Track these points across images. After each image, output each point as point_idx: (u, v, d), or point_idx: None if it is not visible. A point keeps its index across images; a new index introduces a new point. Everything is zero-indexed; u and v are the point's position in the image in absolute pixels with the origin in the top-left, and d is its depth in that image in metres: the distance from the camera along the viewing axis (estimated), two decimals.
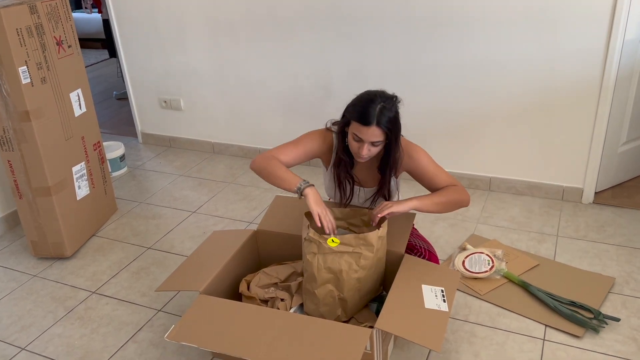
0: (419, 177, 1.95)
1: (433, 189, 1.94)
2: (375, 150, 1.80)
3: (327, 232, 1.77)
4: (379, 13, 2.82)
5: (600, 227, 2.58)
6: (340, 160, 1.92)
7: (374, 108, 1.72)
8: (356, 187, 2.01)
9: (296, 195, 1.82)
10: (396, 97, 1.80)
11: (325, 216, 1.77)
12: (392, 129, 1.76)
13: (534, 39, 2.58)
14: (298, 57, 3.13)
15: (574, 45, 2.52)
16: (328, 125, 1.98)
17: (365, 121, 1.72)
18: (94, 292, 2.33)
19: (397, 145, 1.83)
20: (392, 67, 2.92)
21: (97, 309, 2.22)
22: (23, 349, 2.03)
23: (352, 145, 1.81)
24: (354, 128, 1.77)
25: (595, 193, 2.81)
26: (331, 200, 2.14)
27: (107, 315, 2.19)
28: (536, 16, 2.53)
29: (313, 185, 1.82)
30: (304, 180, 1.81)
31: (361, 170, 1.98)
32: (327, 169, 2.04)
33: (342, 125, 1.86)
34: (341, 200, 2.01)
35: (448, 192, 1.88)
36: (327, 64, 3.08)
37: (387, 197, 1.99)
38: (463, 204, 1.90)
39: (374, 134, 1.74)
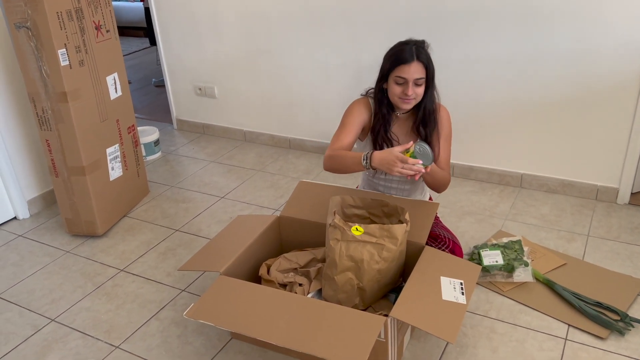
0: (440, 135, 2.00)
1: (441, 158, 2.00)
2: (419, 90, 1.87)
3: (416, 174, 1.76)
4: (411, 4, 2.79)
5: (634, 229, 2.50)
6: (380, 119, 1.96)
7: (410, 47, 1.85)
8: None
9: (369, 172, 1.94)
10: (424, 40, 1.92)
11: (404, 165, 1.72)
12: (429, 66, 1.87)
13: (570, 31, 2.50)
14: (329, 46, 3.13)
15: (613, 38, 2.43)
16: (363, 94, 2.04)
17: (405, 60, 1.84)
18: (121, 270, 2.40)
19: (433, 87, 1.92)
20: (429, 50, 2.88)
21: (124, 286, 2.29)
22: (53, 320, 2.12)
23: (396, 90, 1.88)
24: (396, 72, 1.85)
25: (632, 194, 2.71)
26: (368, 174, 2.14)
27: (132, 292, 2.25)
28: (573, 8, 2.46)
29: (373, 150, 1.83)
30: (365, 153, 1.82)
31: (399, 132, 2.01)
32: (363, 140, 2.07)
33: (380, 82, 1.93)
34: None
35: (441, 175, 1.97)
36: (357, 54, 3.07)
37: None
38: (443, 188, 2.02)
39: (417, 70, 1.84)
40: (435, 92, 1.95)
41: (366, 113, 2.00)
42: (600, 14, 2.42)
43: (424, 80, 1.87)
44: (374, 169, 1.81)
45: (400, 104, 1.90)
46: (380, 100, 1.96)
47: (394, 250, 1.76)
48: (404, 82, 1.85)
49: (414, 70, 1.83)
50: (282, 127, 3.57)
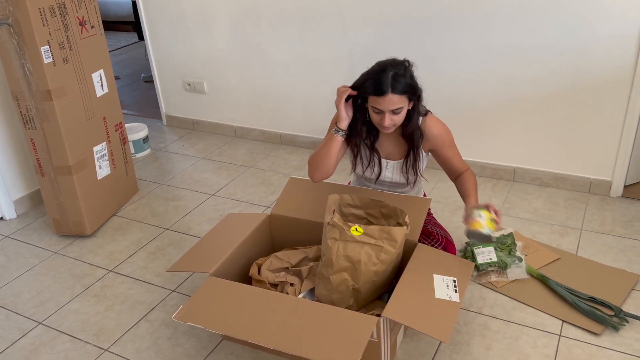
0: (439, 154, 1.99)
1: (450, 168, 2.01)
2: (398, 118, 1.80)
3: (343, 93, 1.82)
4: None
5: (628, 222, 2.49)
6: (361, 133, 1.92)
7: (387, 77, 1.73)
8: (384, 161, 2.01)
9: (340, 137, 1.89)
10: (407, 61, 1.80)
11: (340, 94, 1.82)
12: (410, 92, 1.76)
13: (562, 24, 2.47)
14: (320, 41, 3.09)
15: (606, 31, 2.41)
16: None
17: (380, 92, 1.73)
18: (110, 271, 2.37)
19: (417, 108, 1.85)
20: (416, 54, 2.84)
21: (113, 287, 2.26)
22: (40, 323, 2.08)
23: (374, 118, 1.82)
24: (372, 101, 1.77)
25: (625, 186, 2.70)
26: (364, 177, 2.11)
27: (122, 293, 2.22)
28: (565, 1, 2.43)
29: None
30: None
31: (388, 144, 1.98)
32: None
33: (361, 102, 1.85)
34: (361, 171, 2.04)
35: (474, 181, 1.97)
36: (349, 49, 3.03)
37: (415, 168, 1.98)
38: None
39: (392, 101, 1.74)
40: (420, 108, 1.88)
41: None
42: (592, 7, 2.39)
43: (402, 108, 1.78)
44: (342, 130, 1.87)
45: (381, 130, 1.86)
46: (362, 117, 1.89)
47: (392, 253, 1.73)
48: (380, 112, 1.78)
49: (388, 103, 1.74)
50: (273, 123, 3.53)
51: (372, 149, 1.97)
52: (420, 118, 1.90)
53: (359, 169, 2.05)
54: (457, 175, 2.02)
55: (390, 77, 1.72)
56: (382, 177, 2.03)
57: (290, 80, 3.31)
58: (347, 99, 1.85)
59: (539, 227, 2.48)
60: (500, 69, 2.69)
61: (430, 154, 2.03)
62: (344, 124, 1.86)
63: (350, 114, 1.87)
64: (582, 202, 2.67)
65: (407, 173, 2.00)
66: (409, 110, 1.83)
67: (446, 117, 2.89)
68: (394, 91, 1.72)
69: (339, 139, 1.89)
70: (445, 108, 2.90)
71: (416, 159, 1.96)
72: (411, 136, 1.90)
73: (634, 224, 2.47)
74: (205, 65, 3.56)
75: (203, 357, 1.87)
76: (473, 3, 2.61)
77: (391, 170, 2.02)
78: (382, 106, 1.75)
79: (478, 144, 2.92)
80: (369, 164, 2.01)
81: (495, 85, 2.74)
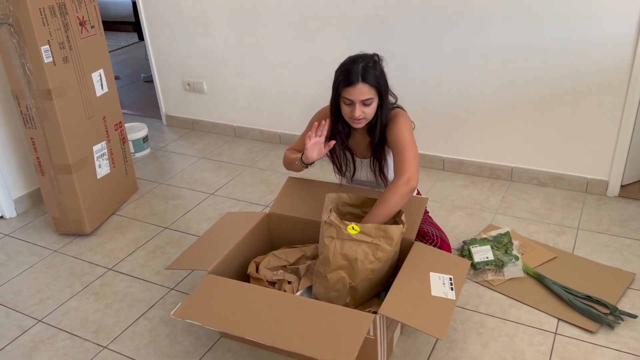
0: (391, 145, 1.90)
1: (397, 164, 1.84)
2: (368, 110, 1.83)
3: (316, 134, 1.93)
4: None
5: (624, 221, 2.50)
6: (336, 131, 1.97)
7: (357, 67, 1.79)
8: (358, 159, 2.05)
9: (307, 169, 2.04)
10: (377, 55, 1.86)
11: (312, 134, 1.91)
12: (378, 84, 1.81)
13: (559, 24, 2.49)
14: (318, 41, 3.11)
15: (603, 31, 2.42)
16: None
17: (350, 81, 1.78)
18: (110, 269, 2.38)
19: (385, 103, 1.87)
20: (414, 54, 2.86)
21: (112, 285, 2.27)
22: (39, 320, 2.10)
23: (345, 111, 1.86)
24: (344, 93, 1.81)
25: (622, 186, 2.71)
26: (344, 180, 2.17)
27: (121, 291, 2.23)
28: (562, 1, 2.44)
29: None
30: (300, 155, 2.01)
31: (357, 143, 2.02)
32: None
33: (335, 99, 1.90)
34: (343, 174, 2.09)
35: (389, 199, 1.78)
36: (347, 49, 3.03)
37: (380, 166, 1.99)
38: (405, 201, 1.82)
39: (362, 91, 1.78)
40: (388, 104, 1.90)
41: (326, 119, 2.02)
42: (589, 7, 2.41)
43: (372, 99, 1.82)
44: (309, 163, 2.00)
45: (351, 124, 1.90)
46: (336, 116, 1.94)
47: (388, 251, 1.74)
48: (350, 103, 1.83)
49: (359, 92, 1.79)
50: (272, 122, 3.54)
51: (345, 148, 2.02)
52: (388, 114, 1.91)
53: (335, 169, 2.12)
54: (395, 176, 1.84)
55: (360, 67, 1.78)
56: (356, 177, 2.08)
57: (289, 80, 3.32)
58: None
59: (535, 226, 2.50)
60: (497, 69, 2.71)
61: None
62: (309, 161, 1.99)
63: (315, 157, 1.95)
64: (579, 202, 2.68)
65: (374, 171, 2.02)
66: (379, 106, 1.86)
67: (444, 116, 2.92)
68: (364, 80, 1.77)
69: (303, 167, 2.04)
70: (443, 108, 2.93)
71: (378, 155, 1.97)
72: (374, 130, 1.92)
73: (630, 223, 2.48)
74: (205, 65, 3.57)
75: (201, 355, 1.89)
76: (471, 4, 2.63)
77: (363, 169, 2.06)
78: (353, 96, 1.79)
79: (476, 144, 2.93)
80: (346, 164, 2.06)
81: (492, 85, 2.75)
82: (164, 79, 3.82)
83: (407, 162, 1.81)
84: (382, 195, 1.82)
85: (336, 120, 1.95)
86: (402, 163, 1.82)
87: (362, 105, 1.81)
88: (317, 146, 1.93)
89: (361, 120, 1.85)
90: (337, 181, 2.21)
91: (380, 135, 1.92)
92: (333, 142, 1.94)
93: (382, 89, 1.83)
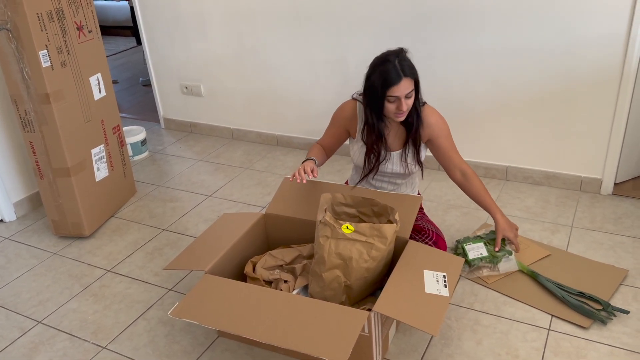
0: (436, 144, 2.04)
1: (448, 161, 2.06)
2: (411, 102, 1.90)
3: (291, 178, 2.01)
4: (395, 0, 2.80)
5: (617, 219, 2.52)
6: (372, 130, 1.98)
7: (394, 65, 1.83)
8: (387, 152, 2.08)
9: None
10: (402, 48, 1.92)
11: (299, 171, 1.96)
12: (415, 75, 1.87)
13: (552, 25, 2.52)
14: (316, 43, 3.14)
15: (594, 31, 2.45)
16: (354, 96, 2.07)
17: (393, 80, 1.82)
18: (109, 271, 2.40)
19: (419, 91, 1.94)
20: (410, 55, 2.88)
21: (111, 287, 2.30)
22: (39, 322, 2.12)
23: (390, 108, 1.89)
24: (389, 92, 1.84)
25: (615, 184, 2.74)
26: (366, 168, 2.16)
27: (120, 293, 2.26)
28: (555, 1, 2.47)
29: (312, 159, 2.06)
30: (308, 159, 2.07)
31: (390, 135, 2.05)
32: (354, 138, 2.10)
33: (378, 101, 1.89)
34: (371, 167, 2.08)
35: (483, 187, 2.11)
36: (344, 51, 3.08)
37: (418, 157, 2.05)
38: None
39: (406, 85, 1.84)
40: (420, 96, 1.97)
41: (349, 114, 2.08)
42: (581, 7, 2.44)
43: (413, 90, 1.88)
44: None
45: (395, 119, 1.93)
46: (378, 116, 1.95)
47: (382, 250, 1.77)
48: (395, 100, 1.86)
49: (404, 87, 1.83)
50: (269, 125, 3.57)
51: (380, 140, 2.02)
52: (420, 107, 1.98)
53: (359, 161, 2.11)
54: (456, 171, 2.07)
55: (397, 63, 1.83)
56: (382, 169, 2.08)
57: (286, 83, 3.35)
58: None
59: (530, 225, 2.52)
60: (491, 70, 2.73)
61: (427, 147, 2.07)
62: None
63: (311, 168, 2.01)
64: (573, 200, 2.71)
65: (406, 161, 2.05)
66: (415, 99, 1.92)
67: None
68: (405, 75, 1.82)
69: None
70: (439, 108, 2.93)
71: (415, 144, 2.01)
72: (411, 122, 1.96)
73: (623, 220, 2.51)
74: (202, 68, 3.60)
75: (199, 354, 1.91)
76: (465, 5, 2.66)
77: (392, 161, 2.07)
78: (399, 92, 1.83)
79: (471, 144, 2.96)
80: (378, 155, 2.05)
81: (486, 85, 2.78)
82: (161, 83, 3.85)
83: (458, 155, 2.08)
84: (476, 188, 2.07)
85: (379, 120, 1.96)
86: (457, 155, 2.07)
87: (405, 99, 1.86)
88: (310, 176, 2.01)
89: (405, 113, 1.89)
90: (332, 182, 2.24)
91: (416, 123, 1.97)
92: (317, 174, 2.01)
93: (417, 78, 1.89)
